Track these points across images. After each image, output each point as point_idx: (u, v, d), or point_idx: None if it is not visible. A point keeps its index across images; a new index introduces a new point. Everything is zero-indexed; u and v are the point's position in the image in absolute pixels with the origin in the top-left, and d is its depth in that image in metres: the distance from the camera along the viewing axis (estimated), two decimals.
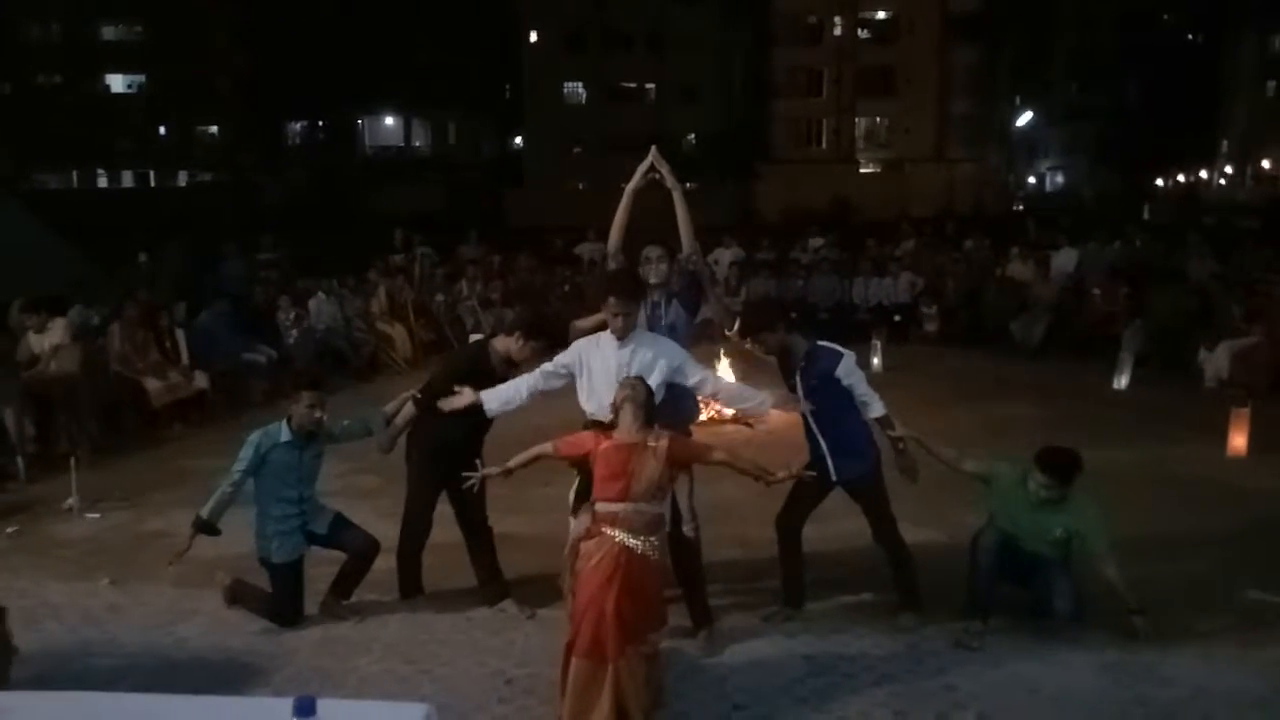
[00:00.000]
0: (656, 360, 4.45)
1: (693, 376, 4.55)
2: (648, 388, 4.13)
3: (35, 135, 42.53)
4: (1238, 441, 7.57)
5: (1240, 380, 9.35)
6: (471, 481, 4.40)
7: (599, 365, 4.49)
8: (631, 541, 3.87)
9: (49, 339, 8.19)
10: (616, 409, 4.08)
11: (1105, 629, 4.59)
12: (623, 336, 4.45)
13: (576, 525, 4.13)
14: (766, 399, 4.61)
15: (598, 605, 3.76)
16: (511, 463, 4.34)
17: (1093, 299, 12.31)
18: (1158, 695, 4.11)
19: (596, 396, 4.45)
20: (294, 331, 10.84)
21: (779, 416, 4.82)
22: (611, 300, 4.41)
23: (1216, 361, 9.87)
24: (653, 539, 3.93)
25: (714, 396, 5.01)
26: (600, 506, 3.97)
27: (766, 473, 4.23)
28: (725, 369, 8.75)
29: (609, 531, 3.89)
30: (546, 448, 4.25)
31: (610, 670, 3.74)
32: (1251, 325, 10.00)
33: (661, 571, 4.10)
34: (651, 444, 3.96)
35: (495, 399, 4.60)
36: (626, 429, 4.02)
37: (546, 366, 4.66)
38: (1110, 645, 4.50)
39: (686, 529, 4.49)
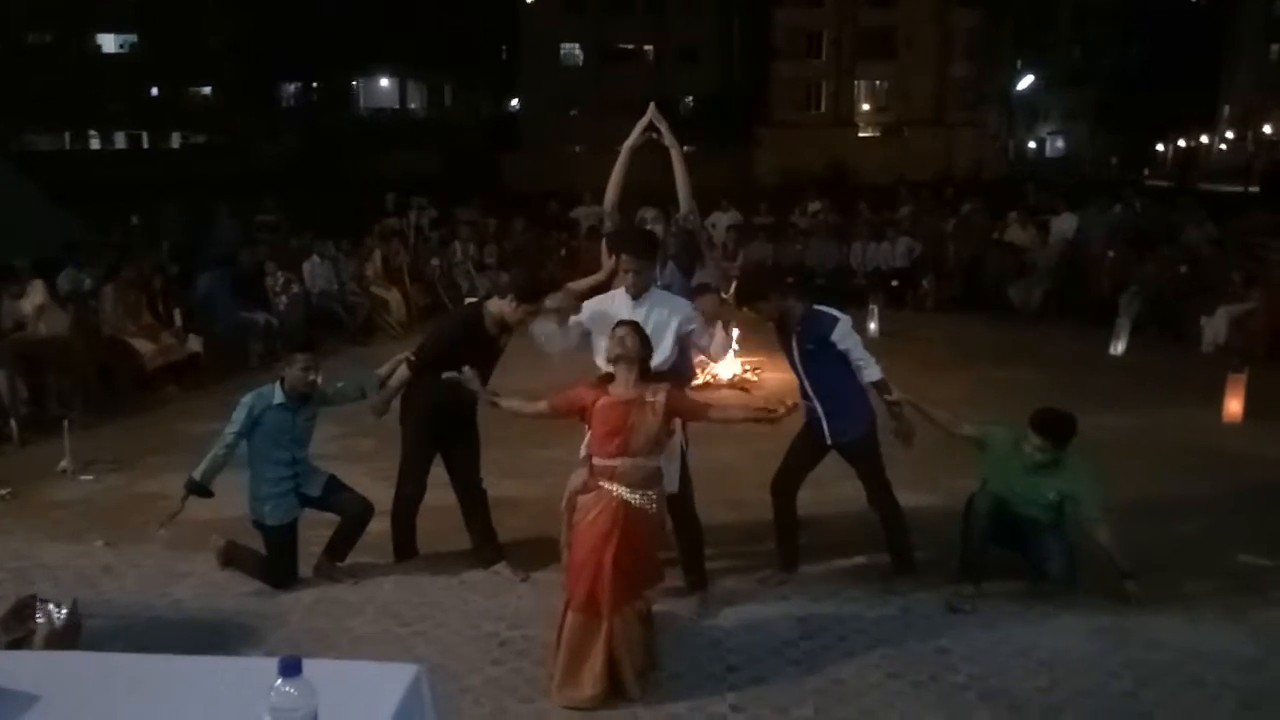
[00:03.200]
0: (671, 319, 4.46)
1: (702, 335, 4.59)
2: (641, 340, 4.03)
3: (27, 95, 42.04)
4: (1234, 407, 7.58)
5: (1238, 346, 9.34)
6: (451, 376, 4.25)
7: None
8: (630, 496, 3.85)
9: (29, 301, 8.12)
10: (611, 362, 4.03)
11: (1097, 592, 4.61)
12: (637, 294, 4.46)
13: (574, 479, 4.11)
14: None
15: (595, 560, 3.76)
16: (507, 402, 4.23)
17: (1091, 264, 12.26)
18: (1148, 658, 4.14)
19: None
20: (283, 297, 10.75)
21: (776, 378, 4.81)
22: (625, 258, 4.44)
23: (1214, 327, 9.86)
24: (651, 493, 3.91)
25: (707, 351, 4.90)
26: (598, 461, 3.94)
27: (768, 410, 4.01)
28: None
29: (607, 486, 3.87)
30: (542, 406, 4.17)
31: (605, 626, 3.75)
32: (1250, 291, 9.98)
33: (661, 525, 4.10)
34: (649, 399, 3.92)
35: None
36: (623, 384, 3.97)
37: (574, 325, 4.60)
38: (1102, 609, 4.52)
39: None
